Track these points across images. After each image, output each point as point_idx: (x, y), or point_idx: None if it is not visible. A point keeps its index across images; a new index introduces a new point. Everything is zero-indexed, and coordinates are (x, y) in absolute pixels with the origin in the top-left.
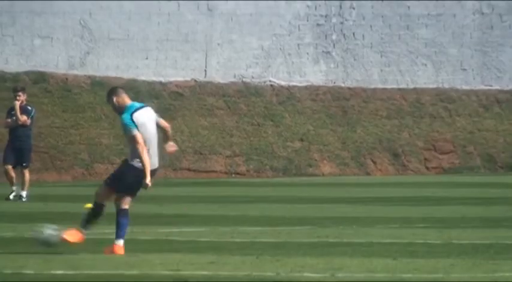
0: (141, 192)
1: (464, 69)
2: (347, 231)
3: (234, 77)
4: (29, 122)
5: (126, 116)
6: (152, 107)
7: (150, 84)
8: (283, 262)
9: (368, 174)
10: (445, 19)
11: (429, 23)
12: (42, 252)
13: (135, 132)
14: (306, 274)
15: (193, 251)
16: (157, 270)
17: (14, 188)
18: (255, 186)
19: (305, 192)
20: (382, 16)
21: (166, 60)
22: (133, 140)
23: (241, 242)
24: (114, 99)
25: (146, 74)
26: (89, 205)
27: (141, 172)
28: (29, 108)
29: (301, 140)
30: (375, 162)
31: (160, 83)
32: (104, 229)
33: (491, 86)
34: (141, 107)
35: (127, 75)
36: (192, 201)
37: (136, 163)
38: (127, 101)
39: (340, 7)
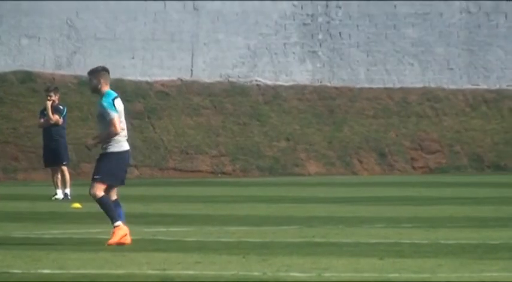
0: (128, 191)
1: (451, 69)
2: (333, 231)
3: (220, 76)
4: (61, 121)
5: (107, 100)
6: (138, 107)
7: (137, 83)
8: (270, 262)
9: (354, 173)
10: (431, 18)
11: (416, 22)
12: (29, 252)
13: (115, 115)
14: (292, 274)
15: (180, 251)
16: (144, 269)
17: (59, 191)
18: (241, 186)
19: (291, 192)
20: (369, 15)
21: (153, 59)
22: (110, 123)
23: (228, 242)
24: (101, 80)
25: (132, 73)
26: (77, 205)
27: (122, 154)
28: (61, 107)
29: (288, 139)
30: (361, 162)
31: (147, 82)
32: (89, 229)
33: (478, 85)
34: (117, 96)
35: (113, 74)
36: (178, 200)
37: (115, 148)
38: (107, 87)
39: (327, 6)
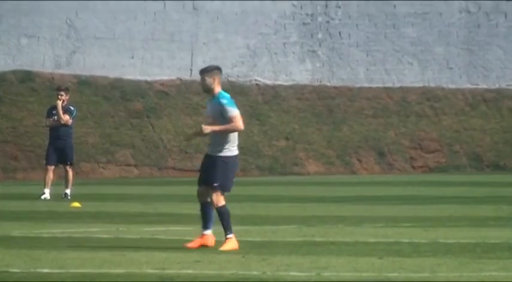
0: (128, 190)
1: (451, 68)
2: (333, 230)
3: None
4: (70, 121)
5: (226, 97)
6: (138, 106)
7: (136, 83)
8: (269, 261)
9: (354, 173)
10: (431, 18)
11: (415, 21)
12: (28, 251)
13: (237, 111)
14: (291, 273)
15: (179, 250)
16: (143, 268)
17: (47, 190)
18: (241, 185)
19: (291, 191)
20: (368, 15)
21: (152, 59)
22: (234, 120)
23: None
24: (216, 79)
25: (132, 73)
26: (76, 204)
27: (236, 158)
28: (72, 108)
29: (287, 139)
30: (360, 161)
31: (146, 82)
32: (89, 228)
33: (477, 84)
34: None
35: (113, 74)
36: (177, 200)
37: (229, 151)
38: (219, 87)
39: (326, 6)
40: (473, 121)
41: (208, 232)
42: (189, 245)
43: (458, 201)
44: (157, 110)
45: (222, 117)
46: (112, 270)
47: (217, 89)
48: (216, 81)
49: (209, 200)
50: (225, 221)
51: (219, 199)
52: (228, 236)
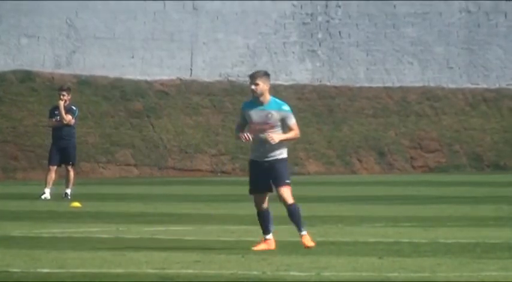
0: (128, 190)
1: (451, 68)
2: (333, 230)
3: (220, 75)
4: (73, 121)
5: (284, 104)
6: (138, 106)
7: (136, 83)
8: (269, 261)
9: (354, 172)
10: (431, 18)
11: (415, 21)
12: (29, 251)
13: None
14: (291, 273)
15: (179, 250)
16: (143, 268)
17: (47, 190)
18: (241, 185)
19: None
20: (368, 15)
21: (152, 59)
22: (295, 127)
23: (227, 241)
24: (269, 84)
25: (132, 72)
26: (76, 204)
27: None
28: (74, 108)
29: None
30: (360, 161)
31: (146, 81)
32: (89, 228)
33: (477, 84)
34: None
35: (113, 74)
36: (177, 200)
37: (285, 154)
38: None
39: (326, 6)
40: (473, 121)
41: (271, 236)
42: (255, 248)
43: (458, 201)
44: (157, 110)
45: (279, 123)
46: (112, 270)
47: (268, 95)
48: (268, 86)
49: (266, 206)
50: (299, 217)
51: (290, 195)
52: (303, 233)
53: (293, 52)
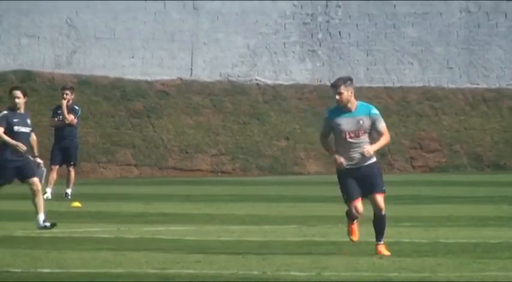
0: (128, 190)
1: (451, 68)
2: (333, 230)
3: (220, 75)
4: (75, 121)
5: (373, 107)
6: (138, 106)
7: (136, 83)
8: (270, 261)
9: None
10: (431, 18)
11: (415, 21)
12: (29, 251)
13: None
14: (292, 273)
15: (179, 250)
16: (143, 268)
17: (49, 190)
18: (241, 185)
19: (291, 191)
20: (368, 15)
21: (153, 59)
22: (386, 131)
23: (227, 241)
24: (352, 90)
25: (132, 72)
26: (77, 204)
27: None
28: (76, 107)
29: (287, 138)
30: None
31: (146, 81)
32: (89, 228)
33: (477, 84)
34: None
35: (113, 74)
36: (178, 200)
37: (375, 157)
38: None
39: (326, 6)
40: (473, 121)
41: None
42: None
43: (459, 201)
44: (158, 110)
45: (370, 128)
46: (112, 270)
47: (355, 100)
48: (353, 92)
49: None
50: (384, 227)
51: (383, 204)
52: (382, 242)
53: (293, 52)
